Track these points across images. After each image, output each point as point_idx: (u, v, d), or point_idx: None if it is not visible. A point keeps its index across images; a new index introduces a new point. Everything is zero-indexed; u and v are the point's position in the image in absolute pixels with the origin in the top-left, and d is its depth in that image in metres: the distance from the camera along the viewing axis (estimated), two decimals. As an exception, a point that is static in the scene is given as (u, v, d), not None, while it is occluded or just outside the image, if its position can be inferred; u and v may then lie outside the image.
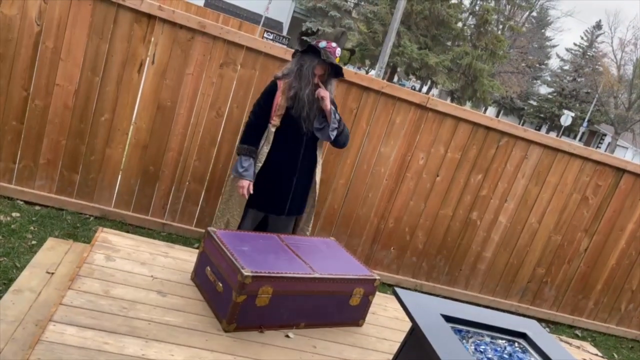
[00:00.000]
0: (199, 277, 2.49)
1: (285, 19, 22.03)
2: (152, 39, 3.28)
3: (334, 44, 2.79)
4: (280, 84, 2.82)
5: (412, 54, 18.78)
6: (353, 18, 20.40)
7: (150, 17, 3.24)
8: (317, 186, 3.04)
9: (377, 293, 2.52)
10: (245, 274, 2.02)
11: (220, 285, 2.28)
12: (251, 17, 18.34)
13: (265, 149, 2.86)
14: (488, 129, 3.87)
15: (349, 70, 3.60)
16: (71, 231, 3.28)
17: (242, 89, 3.46)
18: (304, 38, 2.89)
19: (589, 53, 37.78)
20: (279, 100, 2.80)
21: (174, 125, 3.46)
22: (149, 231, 3.58)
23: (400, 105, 3.70)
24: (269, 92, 2.86)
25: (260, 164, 2.87)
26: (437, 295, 4.14)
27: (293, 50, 2.93)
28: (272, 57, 3.43)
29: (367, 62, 20.80)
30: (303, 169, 2.91)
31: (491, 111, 36.64)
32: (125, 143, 3.44)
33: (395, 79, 23.61)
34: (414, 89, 13.73)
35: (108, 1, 3.15)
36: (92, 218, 3.49)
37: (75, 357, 1.73)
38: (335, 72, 2.81)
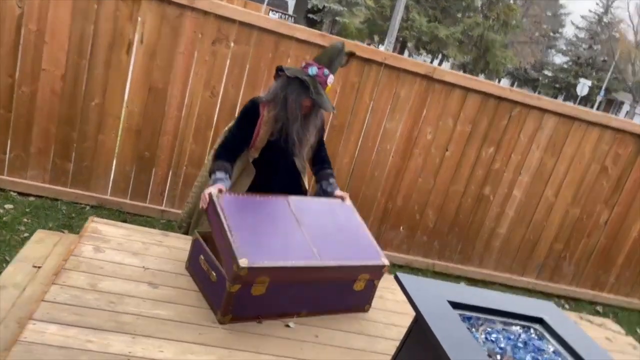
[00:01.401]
0: (193, 266, 2.36)
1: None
2: (139, 18, 3.12)
3: (326, 71, 2.33)
4: (264, 111, 2.38)
5: (422, 28, 18.36)
6: (360, -7, 20.01)
7: (135, -7, 3.07)
8: None
9: (385, 275, 2.38)
10: (242, 265, 1.89)
11: (214, 274, 2.15)
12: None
13: (246, 180, 2.51)
14: (499, 98, 3.66)
15: (349, 42, 3.40)
16: (66, 222, 3.18)
17: (237, 67, 3.29)
18: (283, 69, 2.36)
19: (604, 20, 36.68)
20: (261, 132, 2.40)
21: (168, 108, 3.31)
22: (148, 219, 3.47)
23: (405, 77, 3.50)
24: (250, 116, 2.41)
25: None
26: (450, 275, 3.99)
27: (277, 68, 2.44)
28: (267, 31, 3.25)
29: (376, 37, 20.41)
30: None
31: (505, 83, 35.92)
32: (117, 128, 3.30)
33: (406, 53, 23.17)
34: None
35: (90, -21, 2.99)
36: (88, 207, 3.38)
37: (55, 358, 1.61)
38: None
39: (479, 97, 3.62)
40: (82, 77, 3.16)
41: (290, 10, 19.48)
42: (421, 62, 3.55)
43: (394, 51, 17.44)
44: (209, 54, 3.25)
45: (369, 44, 20.97)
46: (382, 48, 17.26)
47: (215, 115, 3.36)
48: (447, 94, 3.59)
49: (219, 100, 3.34)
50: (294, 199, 2.28)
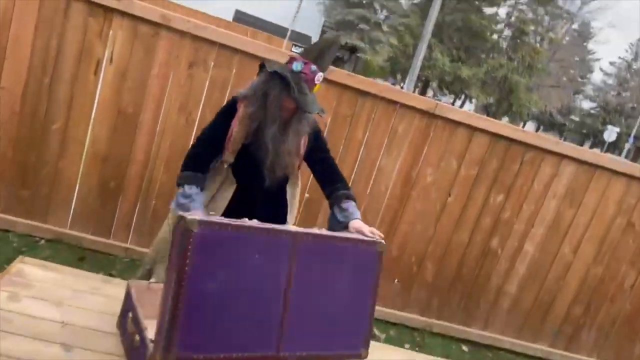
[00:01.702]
0: (122, 324, 1.98)
1: (314, 32, 21.76)
2: (110, 34, 2.84)
3: (313, 67, 1.97)
4: (240, 107, 2.07)
5: (444, 67, 18.12)
6: (383, 31, 19.93)
7: (106, 9, 2.80)
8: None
9: (373, 343, 1.98)
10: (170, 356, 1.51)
11: (137, 339, 1.76)
12: (279, 31, 18.07)
13: (226, 193, 2.16)
14: (510, 140, 3.25)
15: (342, 72, 3.07)
16: (15, 256, 2.83)
17: (217, 91, 2.97)
18: (265, 64, 2.02)
19: (633, 66, 36.08)
20: (235, 130, 2.07)
21: (138, 134, 3.00)
22: (110, 257, 3.11)
23: (404, 112, 3.14)
24: (226, 113, 2.12)
25: (218, 206, 2.16)
26: (451, 337, 3.51)
27: (268, 60, 2.13)
28: (251, 55, 2.93)
29: (399, 76, 20.26)
30: (261, 218, 1.93)
31: (530, 126, 35.31)
32: (81, 154, 2.99)
33: (430, 93, 22.90)
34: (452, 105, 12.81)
35: (57, -9, 2.73)
36: (43, 241, 3.04)
37: None
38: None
39: (487, 137, 3.23)
40: (44, 97, 2.87)
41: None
42: (422, 97, 3.19)
43: (414, 90, 17.19)
44: (185, 78, 2.95)
45: (393, 83, 20.77)
46: (404, 87, 17.04)
47: (190, 144, 3.02)
48: (451, 132, 3.21)
49: (195, 128, 3.02)
50: (301, 237, 1.77)
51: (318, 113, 2.03)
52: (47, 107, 2.89)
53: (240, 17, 19.96)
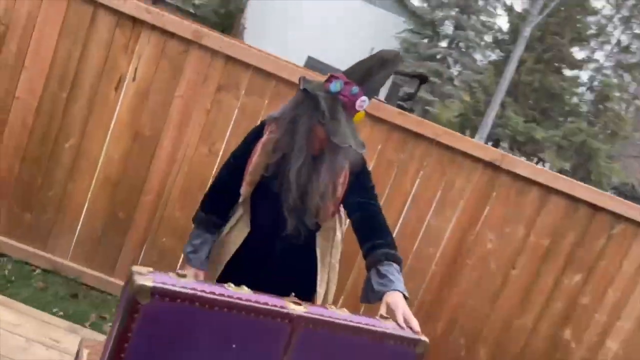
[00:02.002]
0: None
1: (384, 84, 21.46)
2: (137, 49, 2.56)
3: (354, 89, 1.54)
4: (267, 132, 1.71)
5: (517, 127, 17.23)
6: (455, 86, 19.43)
7: (135, 21, 2.53)
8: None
9: None
10: None
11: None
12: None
13: (236, 237, 1.77)
14: (594, 207, 2.64)
15: (392, 109, 2.62)
16: (2, 286, 2.52)
17: (246, 121, 2.59)
18: (301, 81, 1.61)
19: None
20: (255, 156, 1.69)
21: (154, 161, 2.66)
22: (108, 296, 2.73)
23: (463, 162, 2.62)
24: (251, 137, 1.78)
25: (228, 250, 1.79)
26: None
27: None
28: (289, 82, 2.56)
29: (467, 132, 19.58)
30: (279, 279, 1.60)
31: (608, 198, 32.93)
32: (92, 176, 2.68)
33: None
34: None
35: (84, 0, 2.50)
36: (38, 270, 2.71)
37: None
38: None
39: (564, 201, 2.63)
40: (59, 111, 2.61)
41: (382, 97, 19.32)
42: (486, 145, 2.67)
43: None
44: (212, 102, 2.61)
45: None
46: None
47: (211, 177, 2.65)
48: (520, 192, 2.64)
49: (218, 160, 2.65)
50: (304, 323, 1.24)
51: (351, 146, 1.55)
52: (61, 123, 2.62)
53: (312, 64, 20.17)
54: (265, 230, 1.74)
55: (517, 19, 18.90)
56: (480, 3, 19.89)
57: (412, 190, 2.66)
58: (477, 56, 20.15)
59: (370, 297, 1.56)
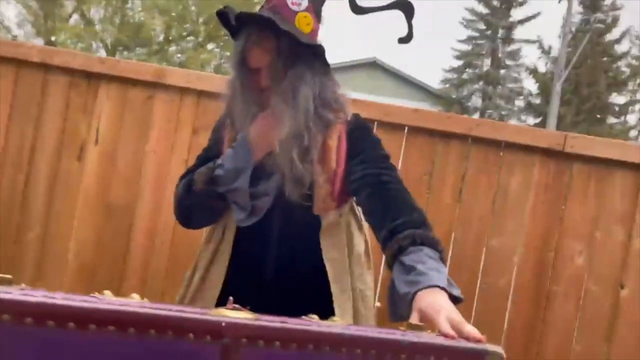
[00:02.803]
0: None
1: None
2: (96, 107, 2.20)
3: None
4: (225, 131, 1.34)
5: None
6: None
7: (90, 76, 2.19)
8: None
9: None
10: None
11: None
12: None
13: (225, 245, 1.30)
14: None
15: (404, 108, 2.08)
16: None
17: (232, 165, 2.11)
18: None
19: None
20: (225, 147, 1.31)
21: (133, 234, 2.17)
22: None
23: (514, 156, 2.00)
24: (219, 126, 1.43)
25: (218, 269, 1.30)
26: None
27: None
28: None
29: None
30: (279, 285, 1.24)
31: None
32: (65, 268, 2.20)
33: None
34: None
35: (32, 64, 2.20)
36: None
37: None
38: (294, 45, 1.14)
39: (668, 177, 1.93)
40: (18, 198, 2.21)
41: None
42: (541, 129, 2.07)
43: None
44: (189, 150, 2.16)
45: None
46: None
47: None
48: (602, 180, 1.96)
49: (207, 219, 2.13)
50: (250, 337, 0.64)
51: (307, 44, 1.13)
52: (21, 212, 2.21)
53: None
54: (255, 242, 1.26)
55: (544, 78, 18.61)
56: (502, 72, 19.86)
57: (457, 207, 2.03)
58: (513, 122, 19.72)
59: (399, 307, 0.94)
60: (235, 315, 0.62)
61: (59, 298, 0.60)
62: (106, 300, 0.65)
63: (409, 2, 1.25)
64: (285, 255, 1.25)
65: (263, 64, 1.15)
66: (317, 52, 1.15)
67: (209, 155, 1.34)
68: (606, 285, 1.96)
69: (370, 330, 0.67)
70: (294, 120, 1.12)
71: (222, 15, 1.18)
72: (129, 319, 0.60)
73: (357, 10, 1.28)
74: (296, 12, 1.14)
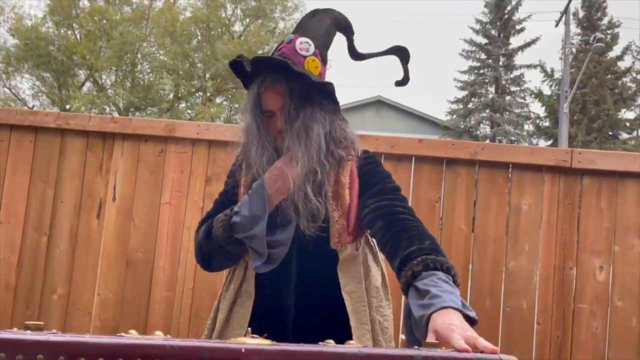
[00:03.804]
0: None
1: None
2: (111, 166, 2.28)
3: (289, 37, 1.23)
4: (241, 174, 1.35)
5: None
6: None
7: (104, 136, 2.29)
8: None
9: None
10: None
11: None
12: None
13: (247, 286, 1.32)
14: None
15: (409, 138, 2.13)
16: None
17: (246, 209, 2.16)
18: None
19: None
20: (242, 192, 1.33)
21: (154, 287, 2.20)
22: None
23: (522, 176, 2.02)
24: (227, 189, 1.42)
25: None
26: None
27: None
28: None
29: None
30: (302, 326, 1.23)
31: None
32: (88, 324, 2.23)
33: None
34: None
35: (50, 130, 2.30)
36: None
37: None
38: (306, 87, 1.20)
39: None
40: (41, 260, 2.27)
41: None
42: (545, 147, 2.08)
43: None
44: (204, 198, 2.21)
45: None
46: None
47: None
48: (612, 192, 1.97)
49: (226, 265, 2.16)
50: None
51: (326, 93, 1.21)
52: (45, 272, 2.26)
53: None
54: (275, 284, 1.28)
55: (551, 100, 18.68)
56: (508, 98, 19.96)
57: (472, 232, 2.04)
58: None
59: (416, 331, 0.95)
60: (254, 342, 0.64)
61: (88, 337, 0.63)
62: (132, 337, 0.68)
63: (404, 48, 1.32)
64: (305, 292, 1.26)
65: (277, 107, 1.21)
66: (327, 91, 1.21)
67: (226, 199, 1.37)
68: (630, 299, 1.93)
69: (385, 349, 0.68)
70: (307, 157, 1.17)
71: (235, 65, 1.25)
72: (154, 352, 0.63)
73: (356, 56, 1.36)
74: (305, 57, 1.21)
